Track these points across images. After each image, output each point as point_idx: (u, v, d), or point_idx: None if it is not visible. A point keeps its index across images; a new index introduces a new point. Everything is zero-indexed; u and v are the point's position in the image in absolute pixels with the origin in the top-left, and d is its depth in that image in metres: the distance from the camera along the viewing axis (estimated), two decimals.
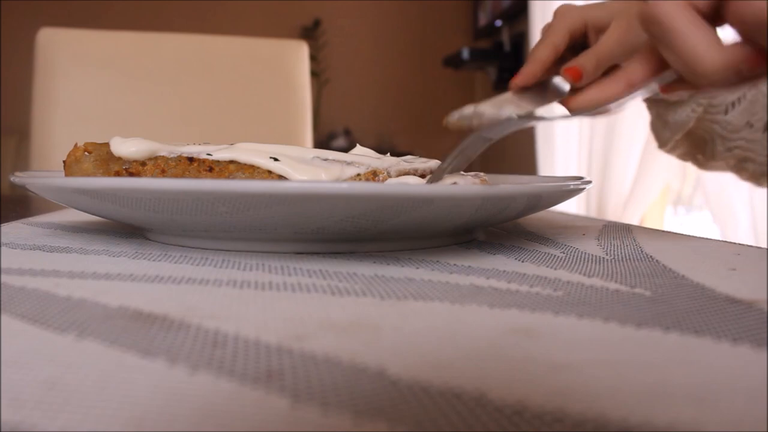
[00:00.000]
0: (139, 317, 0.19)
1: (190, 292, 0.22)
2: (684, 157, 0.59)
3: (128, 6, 2.68)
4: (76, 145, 0.33)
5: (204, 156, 0.31)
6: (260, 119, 1.19)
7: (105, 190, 0.28)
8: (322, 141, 2.70)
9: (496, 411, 0.12)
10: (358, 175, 0.31)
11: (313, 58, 2.60)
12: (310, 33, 2.78)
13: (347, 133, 2.83)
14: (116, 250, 0.31)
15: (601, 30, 0.43)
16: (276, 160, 0.30)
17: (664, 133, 0.57)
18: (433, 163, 0.34)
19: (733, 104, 0.54)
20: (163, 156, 0.31)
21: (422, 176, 0.33)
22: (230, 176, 0.30)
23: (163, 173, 0.31)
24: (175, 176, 0.31)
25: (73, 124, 1.11)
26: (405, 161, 0.34)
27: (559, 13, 0.45)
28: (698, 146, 0.57)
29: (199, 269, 0.26)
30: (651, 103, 0.56)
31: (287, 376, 0.14)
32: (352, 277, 0.25)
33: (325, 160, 0.31)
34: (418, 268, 0.27)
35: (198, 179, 0.26)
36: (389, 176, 0.31)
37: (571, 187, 0.33)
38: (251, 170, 0.30)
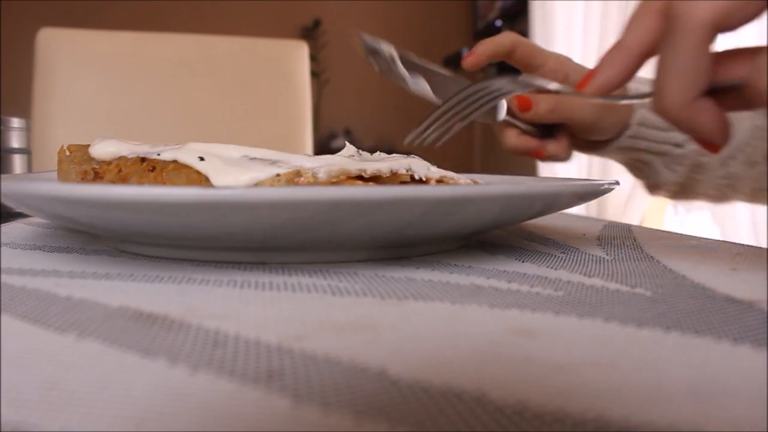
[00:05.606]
0: (139, 317, 0.19)
1: (190, 292, 0.22)
2: (674, 196, 0.60)
3: (128, 6, 2.68)
4: (62, 146, 0.34)
5: (154, 156, 0.30)
6: (260, 119, 1.19)
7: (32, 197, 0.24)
8: (323, 141, 2.70)
9: (497, 411, 0.12)
10: (278, 175, 0.27)
11: (313, 58, 2.59)
12: (310, 33, 2.78)
13: (347, 133, 2.83)
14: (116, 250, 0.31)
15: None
16: (202, 159, 0.28)
17: (654, 180, 0.58)
18: (414, 161, 0.32)
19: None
20: (123, 156, 0.31)
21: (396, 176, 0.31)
22: (166, 176, 0.29)
23: (120, 173, 0.30)
24: (129, 176, 0.30)
25: (73, 124, 1.11)
26: (375, 159, 0.33)
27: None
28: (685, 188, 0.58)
29: (199, 269, 0.26)
30: (642, 154, 0.56)
31: (287, 376, 0.14)
32: (352, 277, 0.25)
33: (252, 159, 0.29)
34: (418, 268, 0.27)
35: (136, 186, 0.23)
36: (315, 178, 0.28)
37: (604, 186, 0.32)
38: (188, 170, 0.29)
